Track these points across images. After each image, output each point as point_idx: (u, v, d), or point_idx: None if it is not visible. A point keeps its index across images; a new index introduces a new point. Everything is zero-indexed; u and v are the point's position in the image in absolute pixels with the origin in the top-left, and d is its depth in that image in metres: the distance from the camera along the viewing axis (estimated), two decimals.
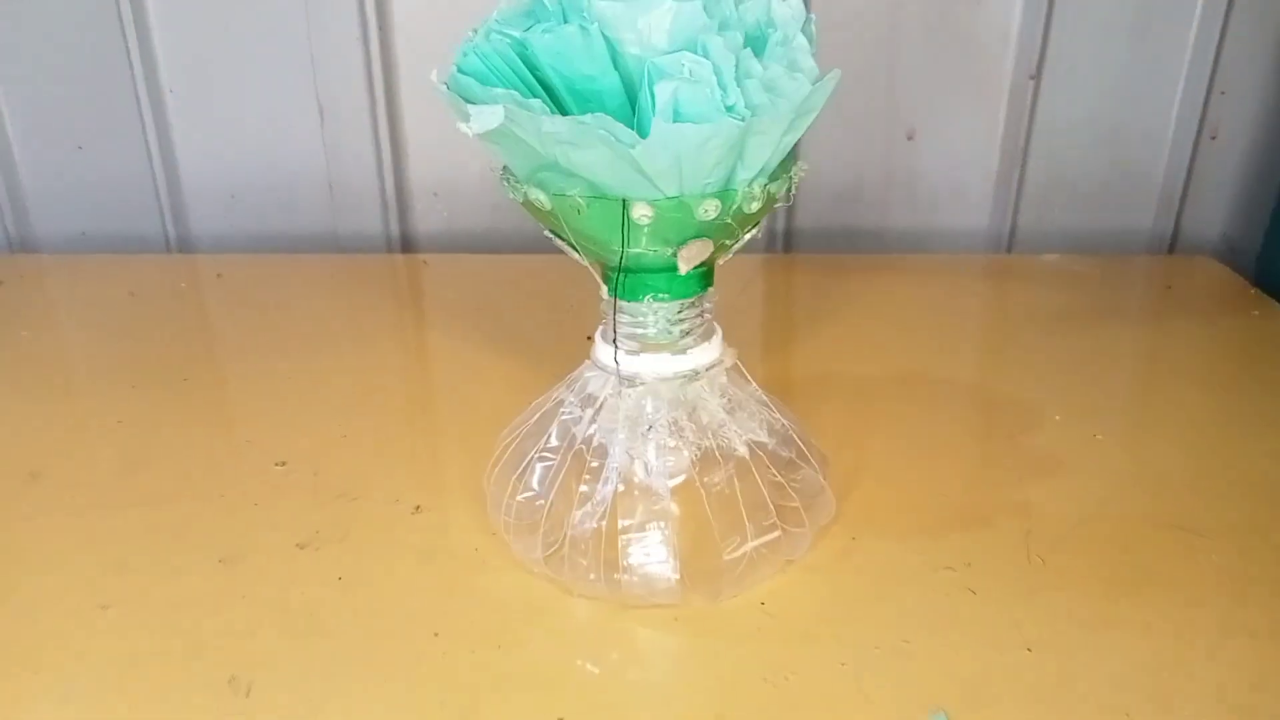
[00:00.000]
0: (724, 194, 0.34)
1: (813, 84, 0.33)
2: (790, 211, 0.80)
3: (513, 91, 0.30)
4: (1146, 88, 0.78)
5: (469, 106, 0.30)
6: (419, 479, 0.48)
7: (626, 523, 0.38)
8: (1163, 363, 0.58)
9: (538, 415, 0.42)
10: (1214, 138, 0.79)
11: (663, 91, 0.30)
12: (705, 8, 0.33)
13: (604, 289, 0.39)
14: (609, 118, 0.29)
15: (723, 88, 0.30)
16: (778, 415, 0.41)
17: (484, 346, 0.61)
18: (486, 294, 0.70)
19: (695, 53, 0.31)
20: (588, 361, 0.42)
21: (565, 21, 0.34)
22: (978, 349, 0.62)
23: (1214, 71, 0.77)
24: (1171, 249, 0.83)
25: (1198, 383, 0.56)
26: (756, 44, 0.34)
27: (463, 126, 0.29)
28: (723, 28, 0.33)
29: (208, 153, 0.82)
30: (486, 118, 0.29)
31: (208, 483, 0.48)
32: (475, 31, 0.36)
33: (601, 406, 0.40)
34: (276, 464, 0.49)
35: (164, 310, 0.68)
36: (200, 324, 0.66)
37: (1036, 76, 0.77)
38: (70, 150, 0.82)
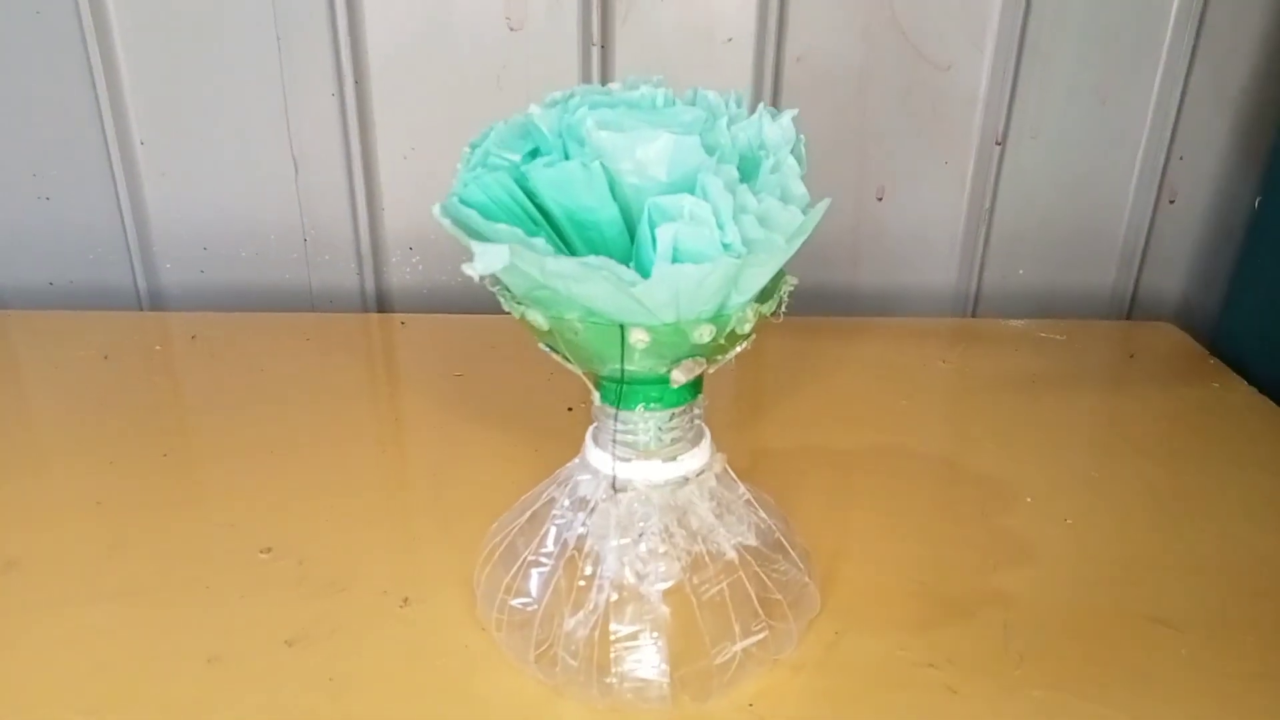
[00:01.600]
0: (718, 318, 0.34)
1: (803, 211, 0.34)
2: None
3: (516, 229, 0.31)
4: (1108, 153, 0.80)
5: (474, 245, 0.30)
6: (405, 567, 0.48)
7: (618, 630, 0.39)
8: (1128, 438, 0.60)
9: (529, 514, 0.42)
10: (1173, 201, 0.81)
11: (664, 235, 0.30)
12: (701, 138, 0.33)
13: (595, 395, 0.40)
14: (612, 260, 0.30)
15: (720, 227, 0.31)
16: (763, 515, 0.42)
17: (463, 415, 0.62)
18: (463, 358, 0.70)
19: (694, 192, 0.32)
20: (577, 461, 0.42)
21: (563, 147, 0.35)
22: (948, 420, 0.64)
23: (1173, 138, 0.79)
24: (1131, 308, 0.85)
25: (1163, 461, 0.58)
26: (748, 166, 0.35)
27: (467, 269, 0.30)
28: (718, 157, 0.33)
29: (180, 204, 0.82)
30: (491, 259, 0.30)
31: (192, 572, 0.48)
32: (472, 149, 0.36)
33: (593, 510, 0.40)
34: (261, 551, 0.49)
35: (139, 375, 0.67)
36: (177, 391, 0.65)
37: (1002, 142, 0.79)
38: (37, 201, 0.81)
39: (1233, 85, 0.78)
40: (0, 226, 0.82)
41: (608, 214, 0.33)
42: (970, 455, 0.58)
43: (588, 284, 0.32)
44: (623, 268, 0.30)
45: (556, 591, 0.40)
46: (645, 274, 0.31)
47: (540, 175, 0.33)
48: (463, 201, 0.33)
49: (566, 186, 0.33)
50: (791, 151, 0.36)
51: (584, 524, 0.40)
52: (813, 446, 0.59)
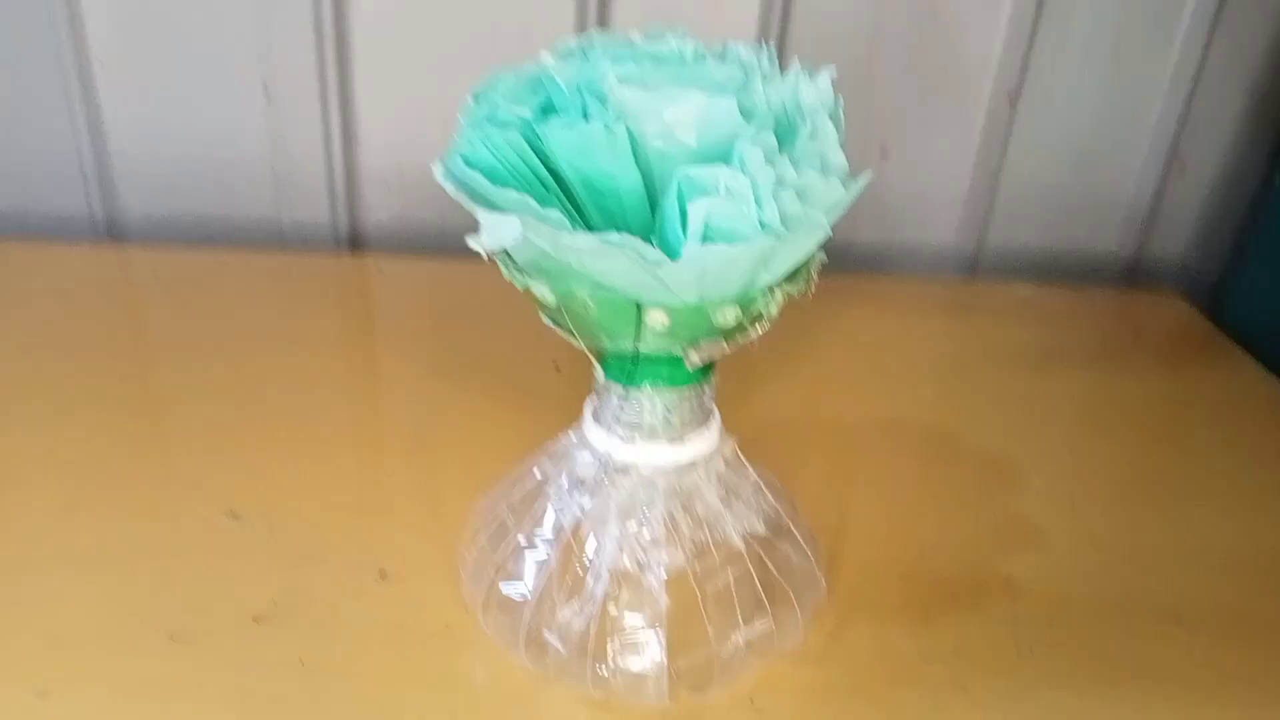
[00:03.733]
0: (744, 299, 0.32)
1: (843, 183, 0.31)
2: None
3: (527, 198, 0.27)
4: (1121, 116, 0.77)
5: (481, 215, 0.27)
6: (381, 537, 0.45)
7: (616, 620, 0.36)
8: (1136, 420, 0.58)
9: (521, 492, 0.40)
10: (1183, 168, 0.79)
11: (696, 212, 0.27)
12: (737, 100, 0.30)
13: (598, 369, 0.37)
14: (636, 239, 0.27)
15: (758, 203, 0.28)
16: (771, 501, 0.40)
17: (442, 370, 0.58)
18: (443, 306, 0.66)
19: (730, 159, 0.28)
20: (572, 434, 0.39)
21: (582, 105, 0.31)
22: (951, 392, 0.61)
23: (1188, 103, 0.76)
24: (1133, 273, 0.83)
25: (1173, 443, 0.56)
26: (784, 132, 0.32)
27: (473, 243, 0.27)
28: (756, 124, 0.30)
29: (141, 132, 0.77)
30: (501, 233, 0.26)
31: (153, 536, 0.44)
32: (476, 100, 0.33)
33: (591, 492, 0.38)
34: (228, 515, 0.46)
35: (96, 315, 0.63)
36: (136, 334, 0.61)
37: (1013, 102, 0.75)
38: None
39: (1252, 55, 0.75)
40: None
41: (628, 181, 0.30)
42: (974, 430, 0.56)
43: (606, 260, 0.28)
44: (647, 247, 0.27)
45: (550, 578, 0.38)
46: (668, 250, 0.28)
47: (557, 137, 0.29)
48: (467, 163, 0.29)
49: (585, 150, 0.29)
50: (830, 116, 0.33)
51: (581, 507, 0.38)
52: (809, 419, 0.57)
